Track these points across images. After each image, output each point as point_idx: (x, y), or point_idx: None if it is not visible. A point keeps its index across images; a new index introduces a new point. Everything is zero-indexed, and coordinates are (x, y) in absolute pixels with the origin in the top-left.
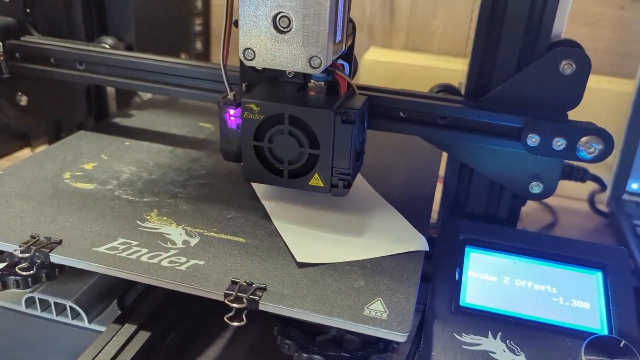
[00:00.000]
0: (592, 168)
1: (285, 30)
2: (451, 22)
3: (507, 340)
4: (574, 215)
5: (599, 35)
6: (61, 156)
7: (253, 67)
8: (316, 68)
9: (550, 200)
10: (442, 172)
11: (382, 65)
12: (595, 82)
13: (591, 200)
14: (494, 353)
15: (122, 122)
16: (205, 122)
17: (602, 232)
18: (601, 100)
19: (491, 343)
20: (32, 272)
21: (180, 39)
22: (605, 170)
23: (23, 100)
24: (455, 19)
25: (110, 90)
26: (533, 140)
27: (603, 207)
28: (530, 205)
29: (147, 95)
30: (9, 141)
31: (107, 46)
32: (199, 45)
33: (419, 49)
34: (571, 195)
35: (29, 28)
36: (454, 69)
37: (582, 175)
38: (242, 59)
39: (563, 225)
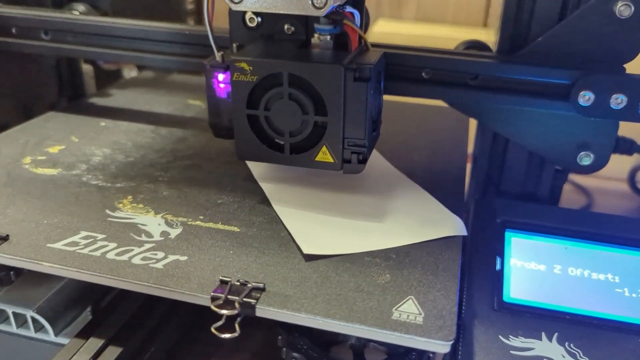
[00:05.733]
0: None
1: None
2: None
3: (566, 343)
4: (611, 196)
5: None
6: (23, 139)
7: (245, 24)
8: (320, 9)
9: (583, 180)
10: (470, 149)
11: (391, 37)
12: None
13: (632, 179)
14: (551, 359)
15: (100, 102)
16: (194, 99)
17: None
18: None
19: (546, 346)
20: None
21: (170, 17)
22: None
23: None
24: None
25: (87, 68)
26: (586, 98)
27: None
28: None
29: (131, 74)
30: None
31: (77, 13)
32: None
33: (432, 20)
34: (606, 174)
35: None
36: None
37: (629, 147)
38: (228, 1)
39: (600, 207)
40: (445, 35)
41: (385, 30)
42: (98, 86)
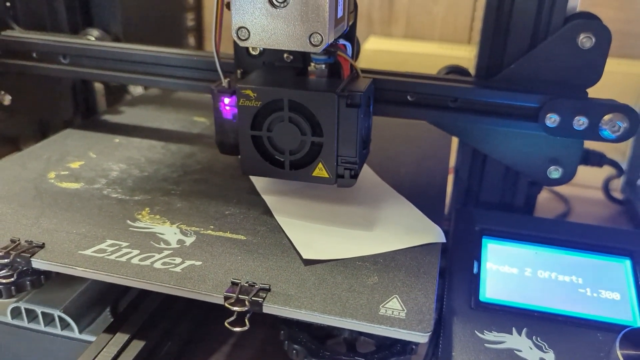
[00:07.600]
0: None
1: (282, 4)
2: (452, 8)
3: (534, 337)
4: (588, 203)
5: (605, 17)
6: (46, 155)
7: (248, 52)
8: (317, 46)
9: (562, 189)
10: (452, 162)
11: (382, 54)
12: None
13: (606, 187)
14: (519, 351)
15: (112, 119)
16: (199, 116)
17: (618, 219)
18: (611, 83)
19: (516, 340)
20: (12, 279)
21: (172, 34)
22: (618, 155)
23: (6, 99)
24: (456, 4)
25: (99, 86)
26: (552, 120)
27: (618, 195)
28: (541, 195)
29: (137, 91)
30: None
31: (92, 38)
32: (191, 41)
33: (420, 37)
34: (584, 183)
35: (9, 22)
36: (458, 56)
37: (599, 160)
38: (236, 38)
39: (577, 214)
40: (432, 52)
41: (376, 47)
42: (108, 103)
